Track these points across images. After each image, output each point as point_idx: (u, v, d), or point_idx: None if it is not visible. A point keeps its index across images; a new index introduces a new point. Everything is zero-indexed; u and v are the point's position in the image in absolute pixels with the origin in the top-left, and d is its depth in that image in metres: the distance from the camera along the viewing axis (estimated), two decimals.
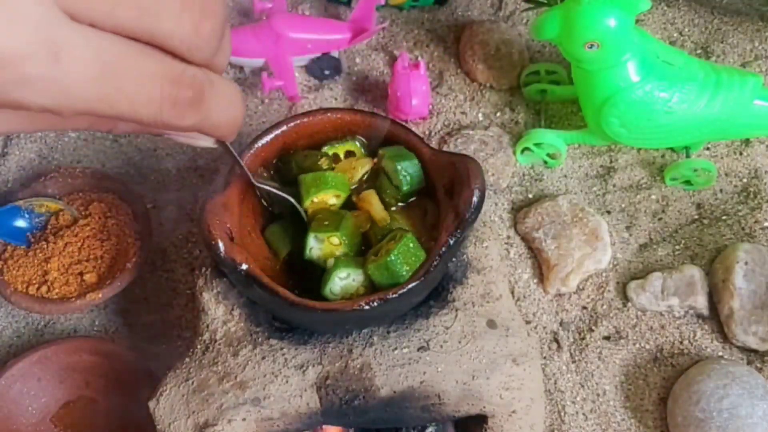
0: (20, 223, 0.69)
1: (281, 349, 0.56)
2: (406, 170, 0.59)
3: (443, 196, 0.58)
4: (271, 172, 0.61)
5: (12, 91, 0.25)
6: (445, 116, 0.80)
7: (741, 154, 0.77)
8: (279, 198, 0.58)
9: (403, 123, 0.67)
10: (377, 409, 0.55)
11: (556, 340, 0.70)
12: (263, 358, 0.56)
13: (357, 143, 0.62)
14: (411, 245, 0.54)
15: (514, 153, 0.77)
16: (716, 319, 0.70)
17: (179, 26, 0.27)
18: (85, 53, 0.25)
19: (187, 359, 0.57)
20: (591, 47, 0.65)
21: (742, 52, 0.83)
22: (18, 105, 0.25)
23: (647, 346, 0.70)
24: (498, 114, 0.80)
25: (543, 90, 0.79)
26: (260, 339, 0.57)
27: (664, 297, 0.70)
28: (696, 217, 0.75)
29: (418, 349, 0.56)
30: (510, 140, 0.78)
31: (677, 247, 0.74)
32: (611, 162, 0.78)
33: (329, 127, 0.62)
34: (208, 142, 0.36)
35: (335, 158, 0.61)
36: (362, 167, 0.60)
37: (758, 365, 0.68)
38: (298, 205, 0.58)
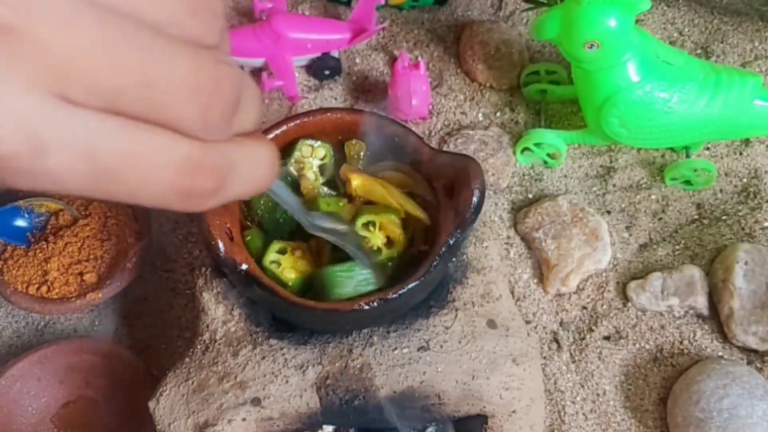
0: (20, 223, 0.69)
1: (281, 349, 0.56)
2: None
3: (443, 196, 0.58)
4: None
5: (5, 181, 0.23)
6: (445, 116, 0.80)
7: (741, 154, 0.77)
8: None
9: (403, 123, 0.67)
10: (377, 409, 0.55)
11: (556, 340, 0.70)
12: (263, 358, 0.56)
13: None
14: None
15: (514, 153, 0.77)
16: (716, 319, 0.70)
17: (188, 113, 0.24)
18: (77, 147, 0.22)
19: (187, 359, 0.57)
20: (591, 47, 0.65)
21: (742, 52, 0.83)
22: (11, 187, 0.25)
23: (647, 346, 0.70)
24: (498, 114, 0.80)
25: (543, 90, 0.79)
26: (260, 339, 0.57)
27: (664, 297, 0.70)
28: (696, 217, 0.75)
29: (418, 349, 0.56)
30: (510, 140, 0.78)
31: (677, 247, 0.74)
32: (611, 162, 0.78)
33: (329, 126, 0.62)
34: None
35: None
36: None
37: (758, 365, 0.68)
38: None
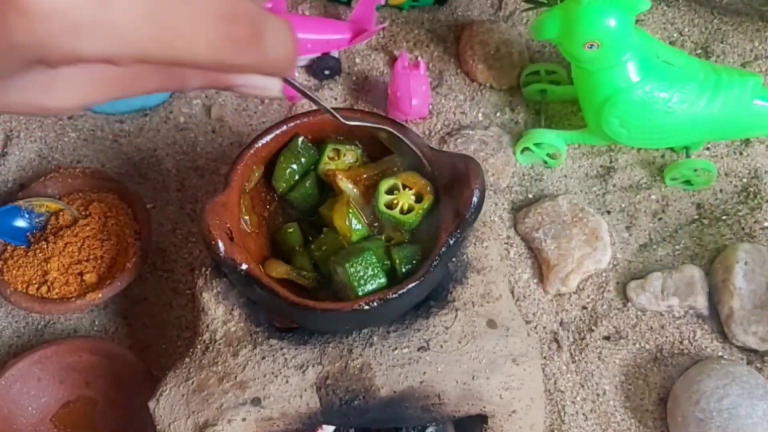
0: (20, 223, 0.69)
1: (281, 349, 0.56)
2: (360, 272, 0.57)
3: (443, 196, 0.58)
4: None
5: (64, 42, 0.24)
6: (445, 116, 0.80)
7: (741, 154, 0.77)
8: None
9: (403, 123, 0.67)
10: (377, 409, 0.55)
11: (556, 340, 0.70)
12: (263, 358, 0.56)
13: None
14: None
15: (514, 153, 0.77)
16: (716, 319, 0.70)
17: None
18: None
19: (187, 359, 0.57)
20: (591, 47, 0.65)
21: (742, 52, 0.83)
22: (72, 57, 0.25)
23: (647, 346, 0.70)
24: (498, 114, 0.80)
25: (543, 90, 0.79)
26: (260, 339, 0.57)
27: (664, 297, 0.70)
28: (696, 217, 0.75)
29: (418, 349, 0.56)
30: (510, 140, 0.78)
31: (677, 247, 0.74)
32: (611, 162, 0.78)
33: (329, 126, 0.62)
34: (275, 87, 0.34)
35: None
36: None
37: (758, 365, 0.68)
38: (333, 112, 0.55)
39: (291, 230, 0.61)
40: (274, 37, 0.29)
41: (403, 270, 0.56)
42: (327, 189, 0.62)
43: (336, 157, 0.62)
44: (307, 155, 0.61)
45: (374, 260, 0.55)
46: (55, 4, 0.23)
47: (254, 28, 0.28)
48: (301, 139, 0.61)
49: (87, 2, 0.24)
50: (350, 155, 0.62)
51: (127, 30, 0.25)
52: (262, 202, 0.63)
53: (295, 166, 0.61)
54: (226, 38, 0.27)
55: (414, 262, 0.56)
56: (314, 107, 0.78)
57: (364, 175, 0.60)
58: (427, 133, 0.79)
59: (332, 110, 0.52)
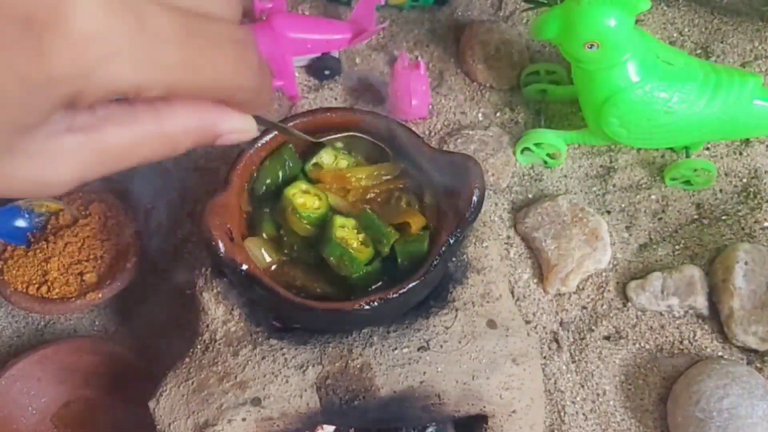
0: (20, 223, 0.69)
1: (281, 349, 0.56)
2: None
3: (443, 196, 0.58)
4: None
5: (105, 71, 0.24)
6: (445, 116, 0.80)
7: (741, 154, 0.77)
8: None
9: (403, 123, 0.67)
10: (377, 409, 0.55)
11: (556, 340, 0.70)
12: (263, 358, 0.56)
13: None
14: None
15: (514, 153, 0.77)
16: (716, 319, 0.70)
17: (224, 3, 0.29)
18: (166, 19, 0.25)
19: (187, 359, 0.57)
20: (591, 47, 0.65)
21: (742, 52, 0.83)
22: (110, 88, 0.24)
23: (647, 346, 0.70)
24: (498, 114, 0.80)
25: (543, 90, 0.79)
26: (260, 339, 0.57)
27: (664, 297, 0.70)
28: (696, 217, 0.75)
29: (418, 349, 0.56)
30: (510, 140, 0.78)
31: (677, 247, 0.74)
32: (611, 162, 0.78)
33: (329, 126, 0.62)
34: (253, 127, 0.34)
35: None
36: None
37: (758, 365, 0.68)
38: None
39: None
40: (266, 65, 0.31)
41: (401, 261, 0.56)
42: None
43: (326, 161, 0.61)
44: (292, 162, 0.61)
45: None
46: (100, 27, 0.23)
47: (259, 56, 0.30)
48: (289, 146, 0.61)
49: (126, 24, 0.24)
50: (343, 162, 0.62)
51: (161, 53, 0.25)
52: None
53: (280, 173, 0.61)
54: (240, 60, 0.28)
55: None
56: (314, 107, 0.78)
57: (352, 179, 0.60)
58: (427, 133, 0.79)
59: (301, 133, 0.53)
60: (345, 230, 0.57)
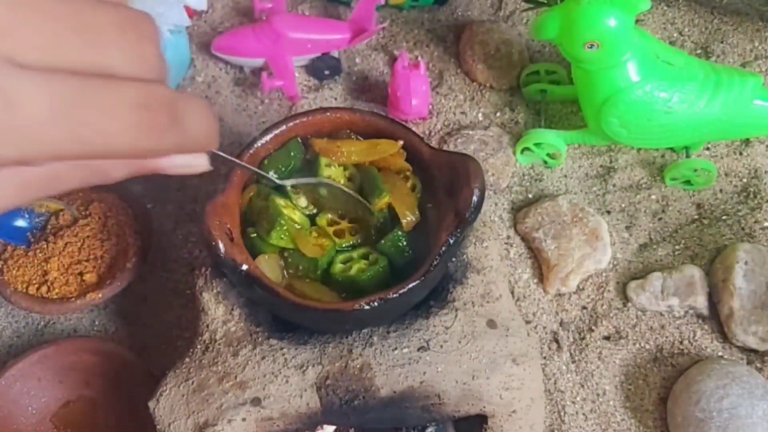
0: (20, 223, 0.69)
1: (281, 349, 0.56)
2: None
3: (443, 196, 0.58)
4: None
5: None
6: (445, 116, 0.80)
7: (741, 154, 0.77)
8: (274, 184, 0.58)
9: (403, 123, 0.67)
10: (377, 409, 0.55)
11: (556, 340, 0.70)
12: (263, 358, 0.56)
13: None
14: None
15: (514, 153, 0.77)
16: (716, 319, 0.70)
17: (124, 53, 0.27)
18: (40, 95, 0.24)
19: (187, 359, 0.57)
20: (591, 47, 0.65)
21: (742, 52, 0.83)
22: None
23: (647, 346, 0.70)
24: (498, 114, 0.80)
25: (543, 90, 0.79)
26: (260, 339, 0.57)
27: (664, 297, 0.70)
28: (696, 217, 0.75)
29: (418, 349, 0.56)
30: (510, 140, 0.78)
31: (677, 247, 0.74)
32: (611, 162, 0.78)
33: (329, 126, 0.62)
34: (201, 163, 0.34)
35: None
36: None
37: (758, 365, 0.68)
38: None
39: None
40: (192, 116, 0.29)
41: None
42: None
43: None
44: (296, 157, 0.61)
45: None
46: None
47: (170, 111, 0.28)
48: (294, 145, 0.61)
49: None
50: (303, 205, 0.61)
51: (39, 131, 0.24)
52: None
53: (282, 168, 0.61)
54: (142, 126, 0.27)
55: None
56: (313, 107, 0.78)
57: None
58: (427, 133, 0.79)
59: (263, 173, 0.55)
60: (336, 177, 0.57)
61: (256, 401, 0.54)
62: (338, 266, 0.57)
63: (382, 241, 0.57)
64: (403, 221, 0.57)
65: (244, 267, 0.54)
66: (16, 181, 0.27)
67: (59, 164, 0.28)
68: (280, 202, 0.57)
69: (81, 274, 0.67)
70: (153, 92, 0.28)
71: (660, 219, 0.75)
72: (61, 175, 0.29)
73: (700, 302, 0.69)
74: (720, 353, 0.69)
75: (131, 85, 0.27)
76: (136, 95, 0.27)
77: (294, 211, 0.58)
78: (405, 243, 0.57)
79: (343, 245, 0.58)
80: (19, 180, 0.27)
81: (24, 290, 0.67)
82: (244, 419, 0.54)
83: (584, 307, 0.72)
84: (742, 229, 0.74)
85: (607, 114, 0.69)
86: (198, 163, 0.33)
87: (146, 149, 0.28)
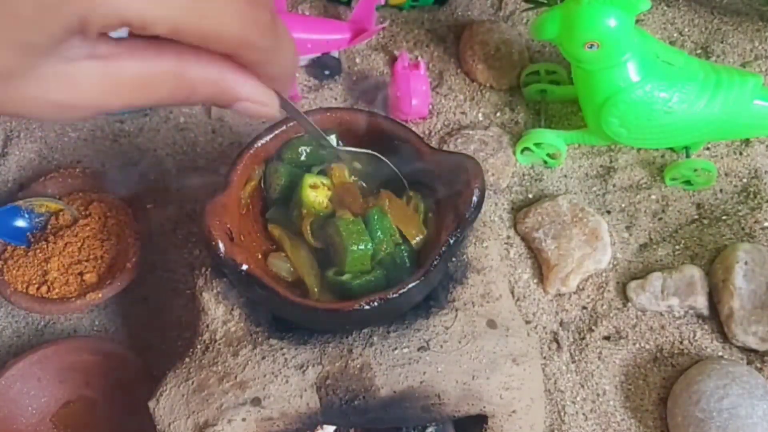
0: (20, 223, 0.69)
1: (281, 349, 0.56)
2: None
3: (443, 196, 0.58)
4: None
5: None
6: (445, 116, 0.80)
7: (741, 154, 0.77)
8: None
9: (403, 123, 0.67)
10: (377, 409, 0.55)
11: (556, 340, 0.70)
12: (263, 358, 0.56)
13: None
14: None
15: (514, 153, 0.77)
16: (716, 319, 0.70)
17: None
18: None
19: (187, 359, 0.57)
20: (591, 47, 0.65)
21: (742, 52, 0.83)
22: (115, 17, 0.25)
23: (647, 346, 0.70)
24: (498, 114, 0.80)
25: (543, 90, 0.79)
26: (260, 339, 0.57)
27: (664, 297, 0.70)
28: (696, 217, 0.75)
29: (418, 349, 0.56)
30: (510, 140, 0.78)
31: (677, 247, 0.74)
32: (611, 162, 0.78)
33: (328, 126, 0.62)
34: (274, 104, 0.35)
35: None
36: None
37: (758, 365, 0.68)
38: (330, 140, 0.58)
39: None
40: (285, 36, 0.31)
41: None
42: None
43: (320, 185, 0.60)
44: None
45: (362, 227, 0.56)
46: None
47: (272, 15, 0.30)
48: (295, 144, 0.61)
49: None
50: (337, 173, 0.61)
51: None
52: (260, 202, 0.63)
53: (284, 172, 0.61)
54: (251, 17, 0.29)
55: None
56: (314, 107, 0.78)
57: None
58: (427, 133, 0.79)
59: (323, 134, 0.54)
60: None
61: (256, 401, 0.54)
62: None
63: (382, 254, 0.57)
64: (413, 242, 0.57)
65: (244, 267, 0.54)
66: (111, 79, 0.29)
67: (154, 72, 0.29)
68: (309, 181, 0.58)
69: (81, 274, 0.67)
70: None
71: (660, 219, 0.75)
72: (154, 83, 0.30)
73: (700, 302, 0.69)
74: (720, 353, 0.69)
75: None
76: None
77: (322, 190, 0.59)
78: (407, 258, 0.57)
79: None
80: (115, 78, 0.29)
81: (24, 290, 0.67)
82: (244, 419, 0.54)
83: (584, 307, 0.72)
84: (742, 229, 0.74)
85: (607, 114, 0.69)
86: (272, 102, 0.34)
87: (248, 41, 0.29)
